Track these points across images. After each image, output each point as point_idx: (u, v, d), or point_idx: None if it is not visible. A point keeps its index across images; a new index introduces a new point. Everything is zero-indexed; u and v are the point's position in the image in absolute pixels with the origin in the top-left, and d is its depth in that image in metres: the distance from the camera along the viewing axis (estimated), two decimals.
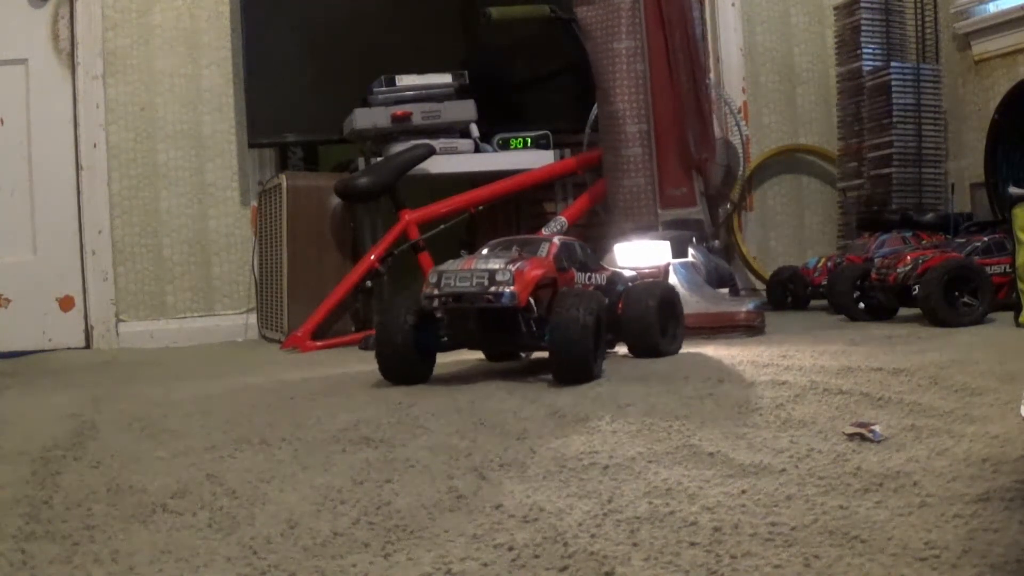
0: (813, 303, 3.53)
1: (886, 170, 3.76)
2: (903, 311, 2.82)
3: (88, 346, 3.65)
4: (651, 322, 2.15)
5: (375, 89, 3.41)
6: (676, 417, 1.47)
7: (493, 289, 1.85)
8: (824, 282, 3.27)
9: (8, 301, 3.60)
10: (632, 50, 2.90)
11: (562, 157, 3.58)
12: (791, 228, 4.28)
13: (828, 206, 4.28)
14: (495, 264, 1.89)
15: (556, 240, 2.09)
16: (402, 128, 3.38)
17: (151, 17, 3.73)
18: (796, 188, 4.30)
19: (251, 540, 0.97)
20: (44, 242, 3.63)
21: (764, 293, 3.89)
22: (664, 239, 2.75)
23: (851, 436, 1.28)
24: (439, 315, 1.98)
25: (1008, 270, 2.69)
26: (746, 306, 2.67)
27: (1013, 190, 2.63)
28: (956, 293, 2.58)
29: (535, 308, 1.92)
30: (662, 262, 2.66)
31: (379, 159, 3.38)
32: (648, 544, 0.89)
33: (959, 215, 3.49)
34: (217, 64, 3.77)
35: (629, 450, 1.27)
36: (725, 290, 2.85)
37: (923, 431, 1.29)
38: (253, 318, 3.75)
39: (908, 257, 2.72)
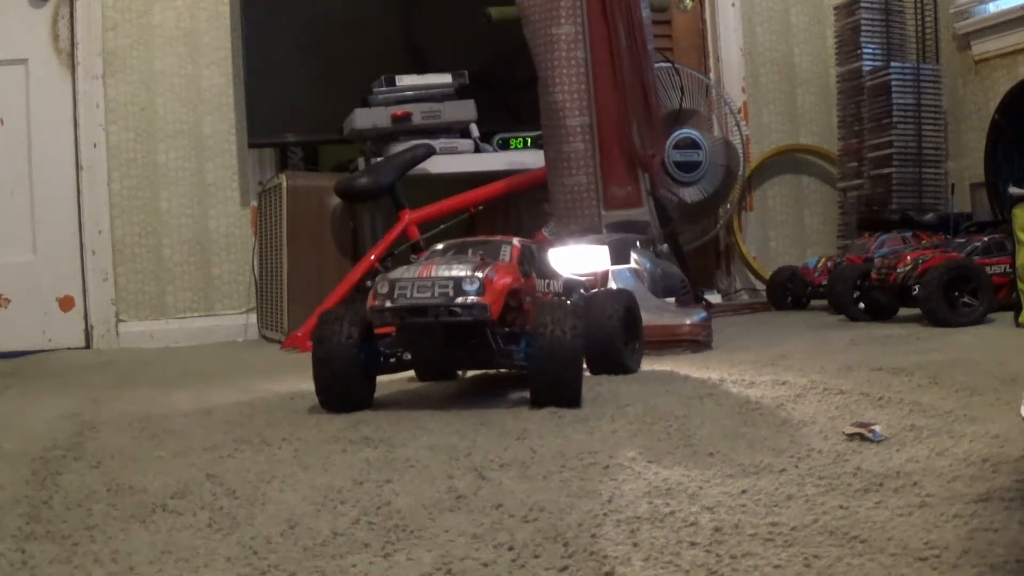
0: (813, 303, 3.54)
1: (886, 170, 3.76)
2: (903, 311, 2.82)
3: (88, 346, 3.65)
4: (615, 334, 1.89)
5: (375, 89, 3.42)
6: (676, 417, 1.47)
7: (460, 300, 1.59)
8: (824, 282, 3.27)
9: (8, 301, 3.60)
10: (572, 36, 2.63)
11: None
12: (791, 228, 4.28)
13: (828, 206, 4.28)
14: (460, 271, 1.62)
15: (516, 242, 1.82)
16: (402, 128, 3.38)
17: (151, 17, 3.72)
18: (796, 188, 4.30)
19: (251, 540, 0.97)
20: (44, 242, 3.63)
21: (764, 293, 3.89)
22: (603, 243, 2.46)
23: (851, 436, 1.28)
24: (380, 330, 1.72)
25: (1008, 270, 2.69)
26: (691, 318, 2.39)
27: (1013, 190, 2.63)
28: (956, 293, 2.58)
29: (506, 321, 1.69)
30: (600, 269, 2.40)
31: (379, 159, 3.38)
32: (648, 544, 0.89)
33: (959, 215, 3.49)
34: (217, 64, 3.77)
35: (629, 450, 1.27)
36: (671, 299, 2.52)
37: (923, 431, 1.29)
38: (253, 318, 3.75)
39: (908, 257, 2.72)
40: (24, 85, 3.62)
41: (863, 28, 3.86)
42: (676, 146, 3.76)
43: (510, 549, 0.89)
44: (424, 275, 1.62)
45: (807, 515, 0.94)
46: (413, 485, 1.15)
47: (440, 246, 1.85)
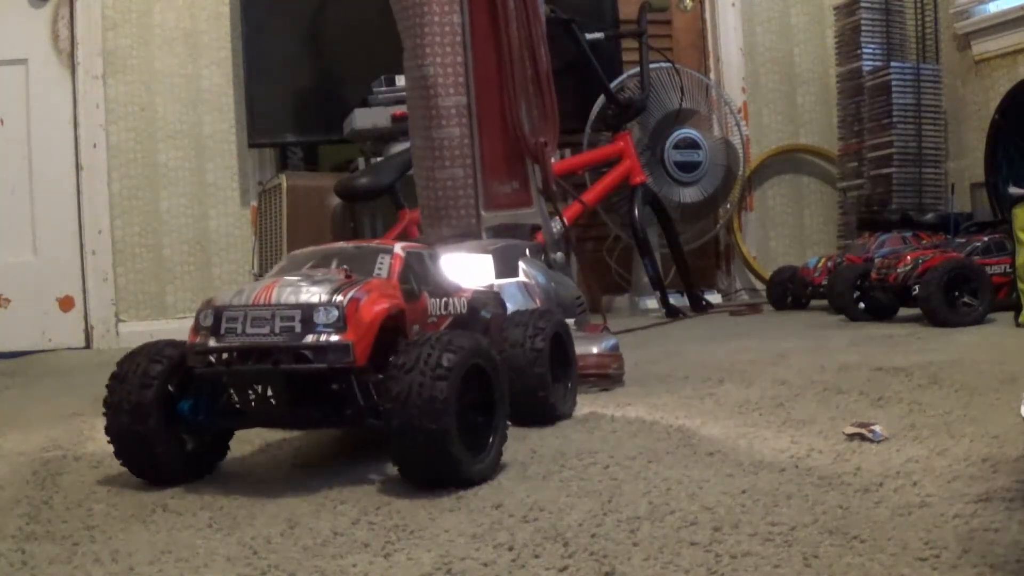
0: (813, 303, 3.54)
1: (886, 170, 3.76)
2: (903, 311, 2.82)
3: (88, 346, 3.65)
4: (540, 371, 1.46)
5: (375, 89, 3.42)
6: (676, 417, 1.47)
7: (311, 339, 1.14)
8: (824, 282, 3.27)
9: (8, 301, 3.60)
10: None
11: (562, 157, 3.58)
12: (791, 228, 4.28)
13: (828, 206, 4.28)
14: (313, 294, 1.16)
15: (399, 250, 1.35)
16: (402, 128, 3.38)
17: (151, 17, 3.73)
18: (796, 188, 4.30)
19: (251, 540, 0.97)
20: (44, 242, 3.63)
21: (764, 293, 3.89)
22: (486, 251, 1.95)
23: (851, 436, 1.28)
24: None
25: (1008, 270, 2.69)
26: (599, 346, 1.90)
27: (1013, 190, 2.63)
28: (956, 293, 2.58)
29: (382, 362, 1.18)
30: (481, 284, 1.79)
31: (379, 159, 3.38)
32: (648, 543, 0.89)
33: (959, 215, 3.49)
34: (217, 64, 3.77)
35: (629, 450, 1.27)
36: (570, 321, 1.93)
37: (923, 431, 1.29)
38: None
39: (908, 257, 2.72)
40: (24, 85, 3.62)
41: (863, 28, 3.87)
42: (676, 146, 3.77)
43: (510, 549, 0.89)
44: (261, 301, 1.17)
45: (807, 515, 0.94)
46: (413, 485, 1.15)
47: (296, 254, 1.40)
